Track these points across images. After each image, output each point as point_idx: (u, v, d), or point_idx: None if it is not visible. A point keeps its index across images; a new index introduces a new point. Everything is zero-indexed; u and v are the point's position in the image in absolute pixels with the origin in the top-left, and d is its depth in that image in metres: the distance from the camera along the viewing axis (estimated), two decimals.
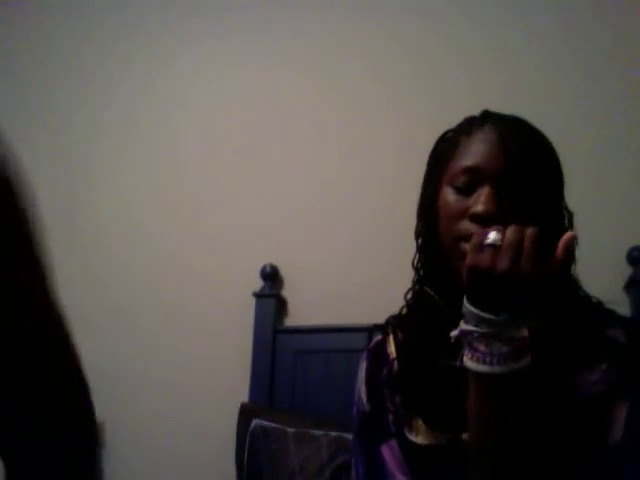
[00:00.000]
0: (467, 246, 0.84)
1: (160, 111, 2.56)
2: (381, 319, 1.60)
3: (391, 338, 1.07)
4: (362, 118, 2.32)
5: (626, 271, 1.87)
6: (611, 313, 0.99)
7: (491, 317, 0.79)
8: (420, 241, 1.06)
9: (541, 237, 0.80)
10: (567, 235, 0.81)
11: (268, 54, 2.47)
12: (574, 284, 0.99)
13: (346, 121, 2.34)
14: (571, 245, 0.81)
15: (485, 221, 0.87)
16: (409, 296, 1.08)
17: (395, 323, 1.08)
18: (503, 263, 0.78)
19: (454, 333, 0.84)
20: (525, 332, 0.80)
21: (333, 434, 1.81)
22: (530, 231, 0.80)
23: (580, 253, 0.92)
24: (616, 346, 0.91)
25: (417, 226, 1.06)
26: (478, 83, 2.20)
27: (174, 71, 2.57)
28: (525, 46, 2.20)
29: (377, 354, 1.08)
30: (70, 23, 2.75)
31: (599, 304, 0.99)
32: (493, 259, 0.79)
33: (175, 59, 2.58)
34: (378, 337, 1.11)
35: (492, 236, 0.80)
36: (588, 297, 1.00)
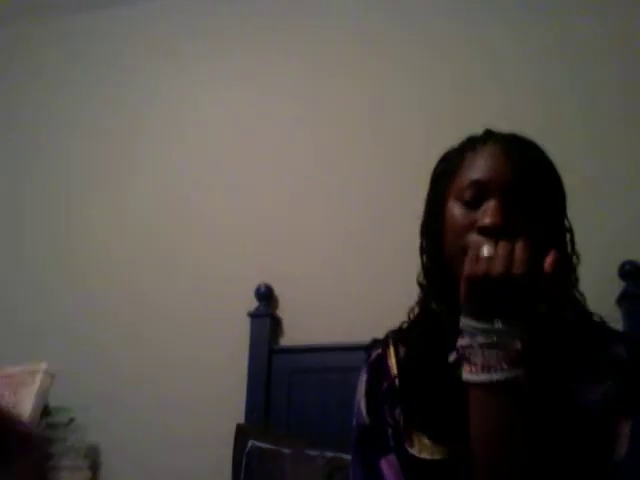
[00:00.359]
0: None
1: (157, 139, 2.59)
2: (376, 337, 1.59)
3: (392, 352, 1.07)
4: (353, 136, 2.35)
5: (618, 285, 1.88)
6: (612, 330, 1.00)
7: (486, 326, 0.83)
8: (425, 258, 1.06)
9: (531, 247, 0.84)
10: (551, 254, 0.84)
11: (265, 74, 2.51)
12: (576, 300, 1.01)
13: (339, 138, 2.36)
14: (557, 262, 0.84)
15: (493, 233, 0.90)
16: (412, 314, 1.08)
17: (396, 337, 1.09)
18: (498, 267, 0.83)
19: (452, 358, 0.87)
20: (518, 344, 0.82)
21: (329, 454, 1.80)
22: (520, 242, 0.84)
23: None
24: (619, 363, 0.93)
25: (421, 243, 1.07)
26: (474, 101, 2.23)
27: (179, 82, 2.62)
28: (517, 58, 2.25)
29: (377, 367, 1.08)
30: (70, 29, 2.83)
31: (601, 322, 1.01)
32: (488, 266, 0.83)
33: (180, 71, 2.63)
34: (378, 350, 1.11)
35: (486, 250, 0.85)
36: (589, 314, 1.01)
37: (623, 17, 2.17)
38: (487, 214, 0.92)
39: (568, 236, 1.02)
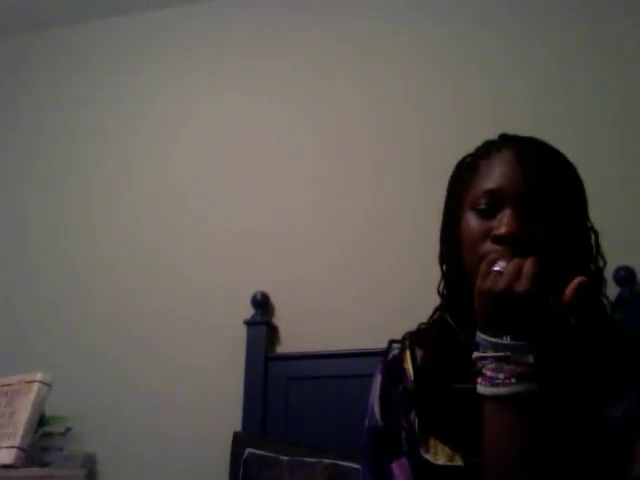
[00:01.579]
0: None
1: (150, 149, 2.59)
2: (373, 344, 1.59)
3: (408, 355, 1.06)
4: (344, 142, 2.36)
5: (613, 291, 1.89)
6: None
7: (496, 340, 0.83)
8: (445, 267, 1.06)
9: (542, 263, 0.83)
10: (577, 279, 0.83)
11: (265, 78, 2.53)
12: (601, 305, 0.99)
13: (331, 145, 2.38)
14: (582, 289, 0.83)
15: (508, 242, 0.89)
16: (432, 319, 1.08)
17: (413, 339, 1.08)
18: (501, 283, 0.83)
19: (473, 369, 0.87)
20: (530, 359, 0.82)
21: (327, 461, 1.80)
22: (531, 258, 0.84)
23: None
24: None
25: (441, 252, 1.07)
26: (473, 104, 2.24)
27: (178, 87, 2.63)
28: (514, 60, 2.26)
29: (393, 369, 1.07)
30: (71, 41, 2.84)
31: (626, 330, 0.99)
32: (494, 281, 0.84)
33: (179, 77, 2.65)
34: (394, 352, 1.10)
35: (498, 265, 0.85)
36: (615, 321, 1.00)
37: (622, 28, 2.20)
38: (502, 223, 0.91)
39: (592, 237, 1.01)
